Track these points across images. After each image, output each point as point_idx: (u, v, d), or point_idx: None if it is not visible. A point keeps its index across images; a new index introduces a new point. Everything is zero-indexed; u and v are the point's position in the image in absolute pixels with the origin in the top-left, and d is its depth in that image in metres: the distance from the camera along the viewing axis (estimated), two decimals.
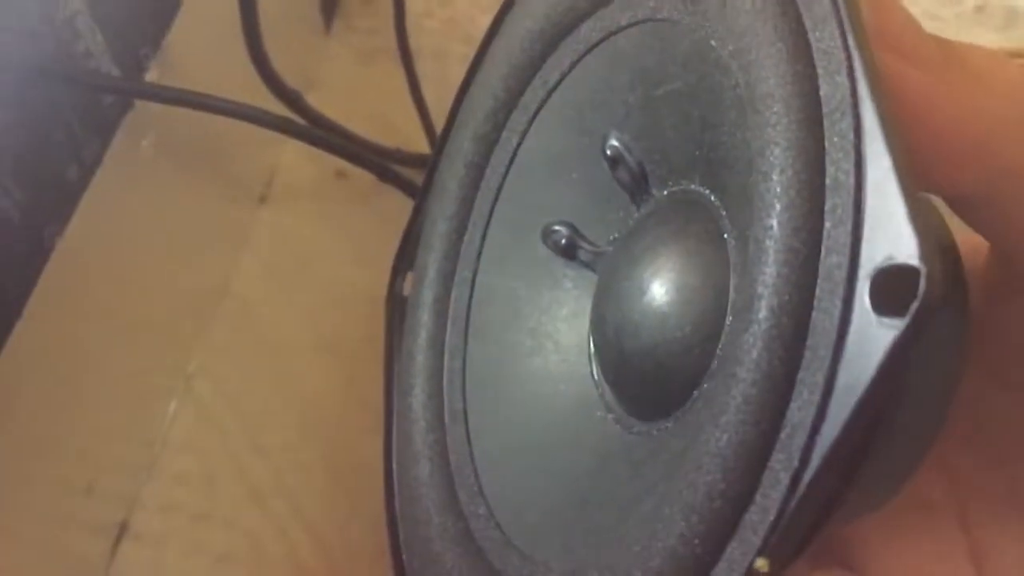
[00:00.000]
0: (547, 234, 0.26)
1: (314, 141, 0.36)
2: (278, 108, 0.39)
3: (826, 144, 0.18)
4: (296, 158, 0.46)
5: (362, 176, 0.43)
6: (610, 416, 0.24)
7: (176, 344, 0.42)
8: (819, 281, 0.17)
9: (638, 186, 0.24)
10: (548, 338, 0.26)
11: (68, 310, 0.33)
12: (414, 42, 0.44)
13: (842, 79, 0.18)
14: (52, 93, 0.30)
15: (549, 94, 0.26)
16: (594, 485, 0.23)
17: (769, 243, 0.18)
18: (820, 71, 0.18)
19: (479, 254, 0.27)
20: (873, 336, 0.16)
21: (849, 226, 0.17)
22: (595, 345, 0.25)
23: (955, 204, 0.21)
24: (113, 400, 0.38)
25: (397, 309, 0.28)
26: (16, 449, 0.33)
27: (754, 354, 0.18)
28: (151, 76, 0.35)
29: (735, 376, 0.18)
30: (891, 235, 0.16)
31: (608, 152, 0.24)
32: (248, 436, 0.41)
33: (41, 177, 0.30)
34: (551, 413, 0.25)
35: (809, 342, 0.17)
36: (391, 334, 0.28)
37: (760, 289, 0.18)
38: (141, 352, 0.39)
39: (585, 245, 0.26)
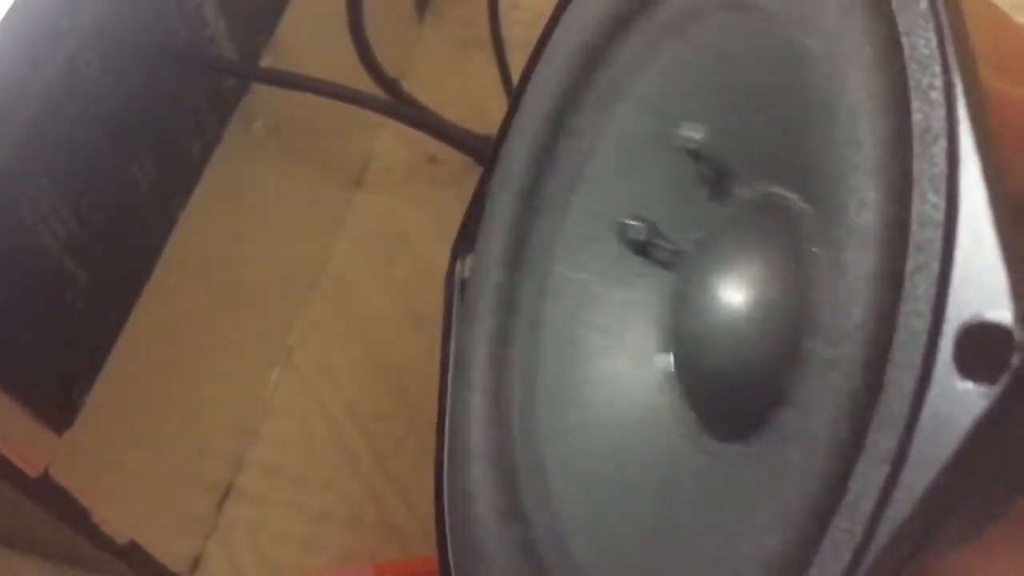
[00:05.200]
0: (622, 229, 0.25)
1: (415, 123, 0.38)
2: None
3: (914, 170, 0.16)
4: (390, 144, 0.48)
5: (452, 162, 0.46)
6: (682, 430, 0.22)
7: (278, 316, 0.44)
8: (896, 332, 0.15)
9: (719, 183, 0.23)
10: (619, 339, 0.24)
11: (187, 279, 0.36)
12: (502, 33, 0.45)
13: (937, 96, 0.15)
14: (182, 76, 0.33)
15: (625, 78, 0.24)
16: (661, 507, 0.22)
17: (860, 284, 0.16)
18: (912, 84, 0.16)
19: (553, 244, 0.25)
20: (957, 402, 0.14)
21: (935, 271, 0.15)
22: (667, 353, 0.23)
23: None
24: (222, 367, 0.41)
25: (457, 292, 0.27)
26: (139, 408, 0.35)
27: (831, 413, 0.16)
28: (264, 62, 0.37)
29: (812, 428, 0.16)
30: (983, 287, 0.14)
31: (689, 145, 0.23)
32: (344, 404, 0.43)
33: (169, 152, 0.33)
34: (621, 421, 0.23)
35: (882, 399, 0.15)
36: (449, 318, 0.27)
37: (850, 333, 0.16)
38: (246, 323, 0.42)
39: (661, 243, 0.24)
